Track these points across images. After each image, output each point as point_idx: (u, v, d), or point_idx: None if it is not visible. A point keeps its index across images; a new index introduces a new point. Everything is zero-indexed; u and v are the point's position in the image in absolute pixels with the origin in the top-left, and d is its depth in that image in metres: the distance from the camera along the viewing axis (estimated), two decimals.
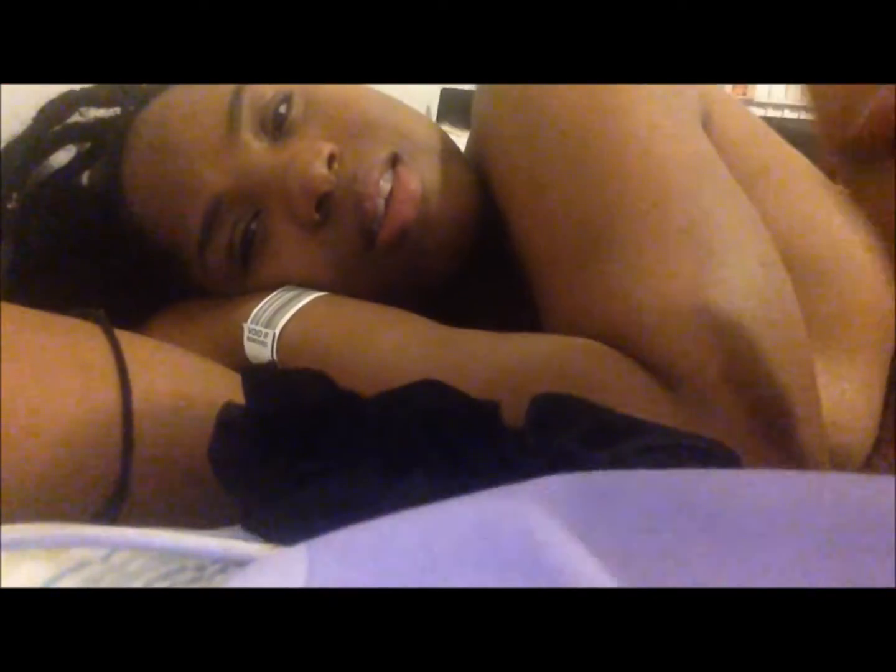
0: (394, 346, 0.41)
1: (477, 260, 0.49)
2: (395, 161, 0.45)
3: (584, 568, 0.16)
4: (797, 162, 0.52)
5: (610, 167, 0.39)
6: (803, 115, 1.89)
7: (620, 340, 0.36)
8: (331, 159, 0.44)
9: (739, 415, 0.33)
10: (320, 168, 0.43)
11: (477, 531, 0.17)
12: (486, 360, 0.38)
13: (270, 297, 0.46)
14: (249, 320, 0.45)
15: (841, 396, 0.43)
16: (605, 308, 0.37)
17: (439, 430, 0.25)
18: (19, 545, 0.21)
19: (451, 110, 1.55)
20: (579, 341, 0.37)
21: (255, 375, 0.28)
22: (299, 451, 0.25)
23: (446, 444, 0.25)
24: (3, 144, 0.52)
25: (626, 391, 0.34)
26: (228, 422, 0.27)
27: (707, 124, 0.45)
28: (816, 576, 0.16)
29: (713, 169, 0.41)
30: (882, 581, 0.16)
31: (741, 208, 0.39)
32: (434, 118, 1.44)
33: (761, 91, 1.78)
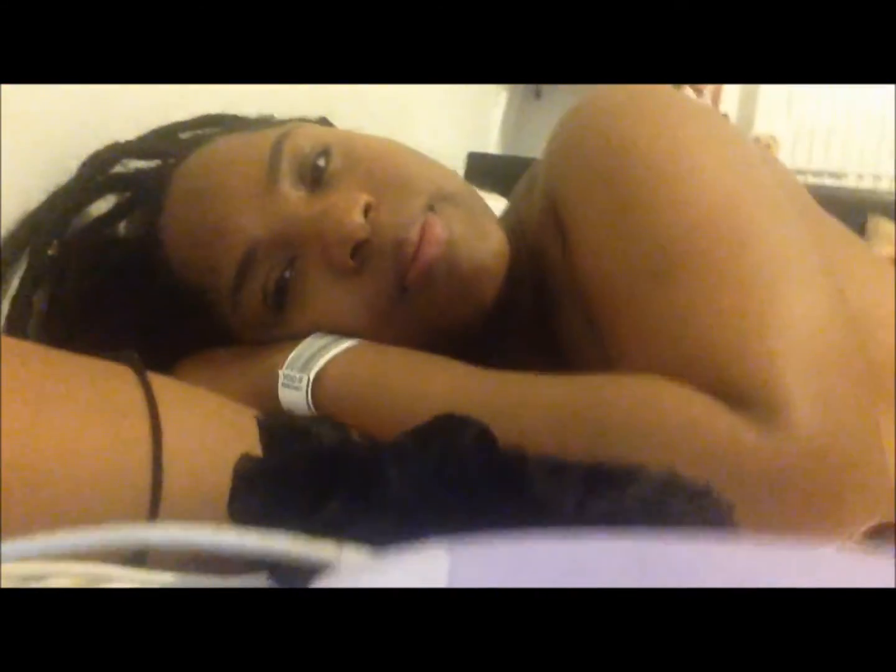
0: (436, 390, 0.41)
1: (507, 307, 0.49)
2: (429, 212, 0.45)
3: None
4: (832, 220, 0.53)
5: (689, 202, 0.40)
6: (826, 180, 1.90)
7: (690, 370, 0.36)
8: (367, 209, 0.45)
9: (812, 425, 0.33)
10: (357, 216, 0.44)
11: (625, 553, 0.17)
12: (535, 405, 0.37)
13: (305, 342, 0.46)
14: (285, 366, 0.45)
15: (890, 445, 0.42)
16: (673, 337, 0.37)
17: (456, 482, 0.24)
18: (62, 547, 0.21)
19: (478, 173, 1.58)
20: (642, 380, 0.37)
21: (271, 426, 0.28)
22: (315, 502, 0.25)
23: (464, 496, 0.24)
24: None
25: (696, 419, 0.34)
26: (245, 474, 0.27)
27: None
28: None
29: (786, 211, 0.42)
30: None
31: (808, 248, 0.40)
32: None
33: (785, 156, 1.80)
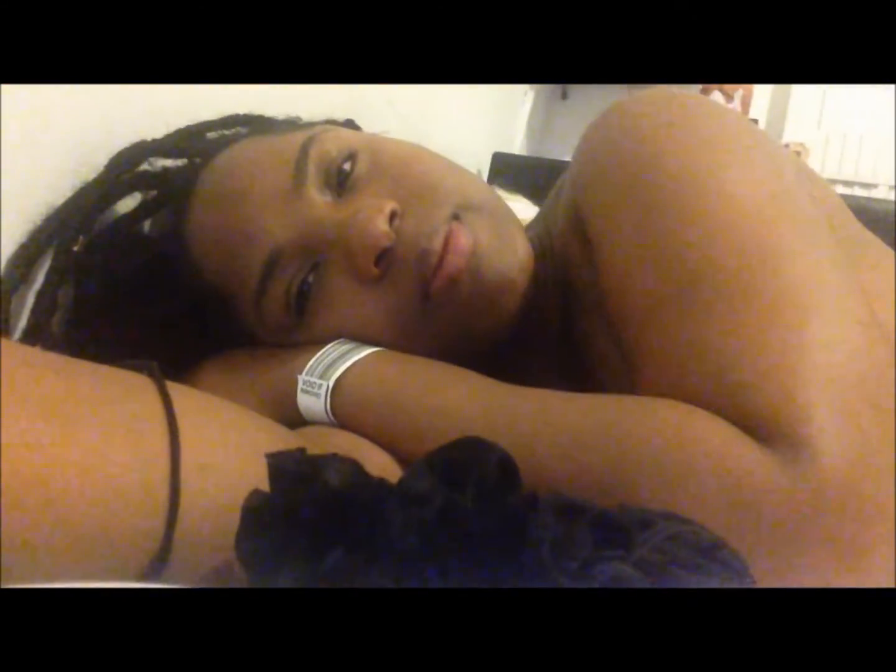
0: (456, 403, 0.40)
1: (530, 321, 0.48)
2: (454, 220, 0.45)
3: None
4: (870, 235, 0.52)
5: (716, 222, 0.39)
6: (857, 190, 1.87)
7: (713, 397, 0.35)
8: (392, 216, 0.44)
9: (841, 465, 0.31)
10: (382, 224, 0.43)
11: None
12: (565, 423, 0.37)
13: (325, 349, 0.45)
14: (304, 372, 0.44)
15: None
16: (698, 362, 0.36)
17: (461, 538, 0.24)
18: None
19: (501, 174, 1.57)
20: (667, 407, 0.36)
21: (280, 462, 0.27)
22: (319, 547, 0.24)
23: (467, 553, 0.23)
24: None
25: (722, 450, 0.33)
26: (254, 512, 0.26)
27: None
28: None
29: (817, 230, 0.40)
30: None
31: (840, 271, 0.39)
32: (485, 181, 1.46)
33: (814, 164, 1.78)
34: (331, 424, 0.43)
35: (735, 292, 0.37)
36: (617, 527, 0.23)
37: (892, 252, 0.52)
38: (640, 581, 0.21)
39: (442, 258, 0.44)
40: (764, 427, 0.33)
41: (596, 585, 0.17)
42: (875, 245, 0.51)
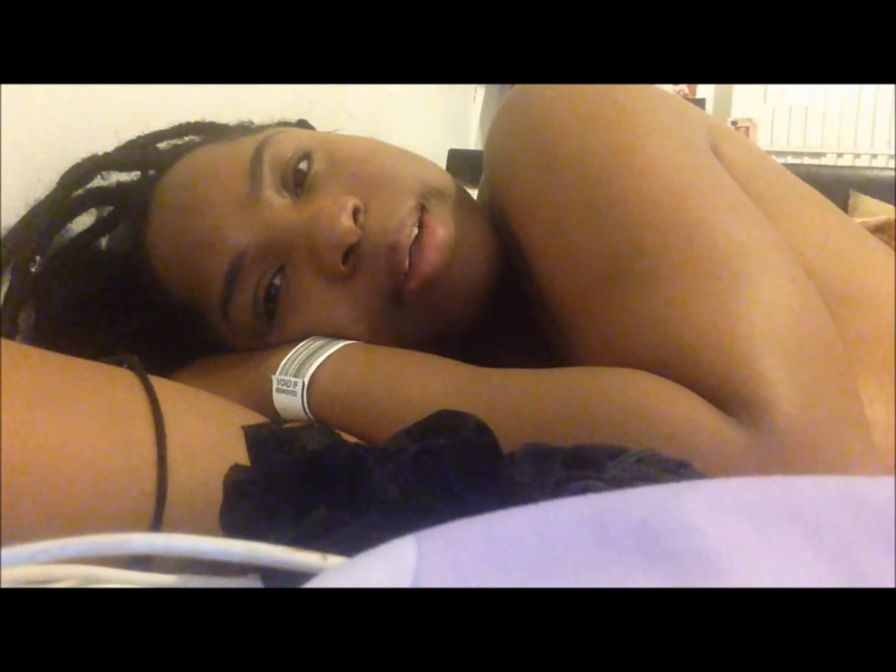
0: (430, 387, 0.41)
1: (498, 304, 0.49)
2: (421, 211, 0.45)
3: (707, 548, 0.16)
4: (809, 191, 0.52)
5: (632, 200, 0.39)
6: (806, 160, 1.91)
7: (660, 368, 0.35)
8: (355, 212, 0.44)
9: (798, 420, 0.32)
10: (346, 221, 0.43)
11: (587, 519, 0.17)
12: (529, 398, 0.37)
13: (298, 347, 0.45)
14: (278, 371, 0.44)
15: (873, 417, 0.42)
16: (640, 338, 0.37)
17: (438, 477, 0.24)
18: (61, 554, 0.21)
19: (459, 170, 1.58)
20: (623, 371, 0.36)
21: (256, 435, 0.28)
22: (302, 508, 0.25)
23: (446, 489, 0.24)
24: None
25: (683, 414, 0.33)
26: (234, 485, 0.27)
27: (716, 156, 0.46)
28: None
29: (733, 195, 0.41)
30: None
31: (765, 231, 0.39)
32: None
33: (763, 138, 1.81)
34: (308, 421, 0.43)
35: (663, 266, 0.37)
36: (588, 458, 0.24)
37: (835, 208, 0.53)
38: (608, 490, 0.22)
39: (417, 254, 0.43)
40: (722, 394, 0.33)
41: (567, 496, 0.18)
42: (805, 197, 0.51)
